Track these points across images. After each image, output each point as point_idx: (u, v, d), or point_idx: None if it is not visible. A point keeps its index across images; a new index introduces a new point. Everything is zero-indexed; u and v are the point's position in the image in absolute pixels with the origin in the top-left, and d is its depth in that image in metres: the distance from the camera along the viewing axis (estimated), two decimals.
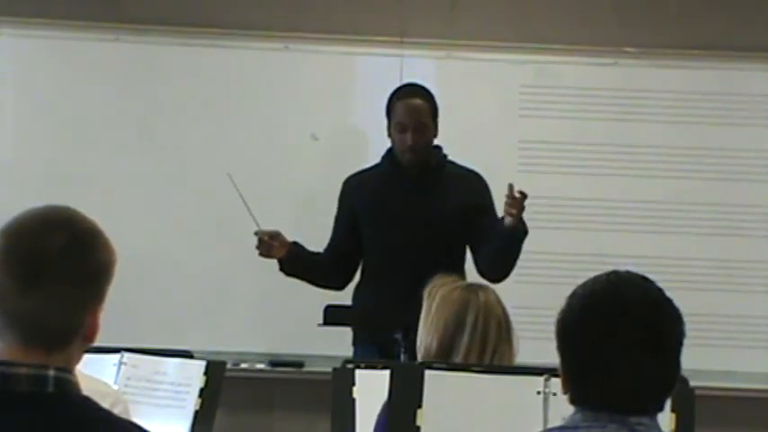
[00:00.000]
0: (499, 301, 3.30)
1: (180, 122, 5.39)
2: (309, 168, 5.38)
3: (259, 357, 5.35)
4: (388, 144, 4.68)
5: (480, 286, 3.41)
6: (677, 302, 2.11)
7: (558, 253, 5.28)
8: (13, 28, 5.39)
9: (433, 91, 4.67)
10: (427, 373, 2.96)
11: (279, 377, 5.36)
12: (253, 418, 5.42)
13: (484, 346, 3.22)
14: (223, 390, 3.41)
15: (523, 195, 4.34)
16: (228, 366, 3.62)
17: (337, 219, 4.73)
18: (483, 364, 3.17)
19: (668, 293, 2.12)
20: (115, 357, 3.40)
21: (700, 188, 5.40)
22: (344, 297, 4.69)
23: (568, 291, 2.15)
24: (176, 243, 5.34)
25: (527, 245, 4.91)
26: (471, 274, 4.54)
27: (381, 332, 4.28)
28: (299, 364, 5.32)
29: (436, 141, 4.65)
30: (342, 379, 3.30)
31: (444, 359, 3.21)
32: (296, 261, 4.62)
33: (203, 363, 3.43)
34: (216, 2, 5.47)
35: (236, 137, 5.38)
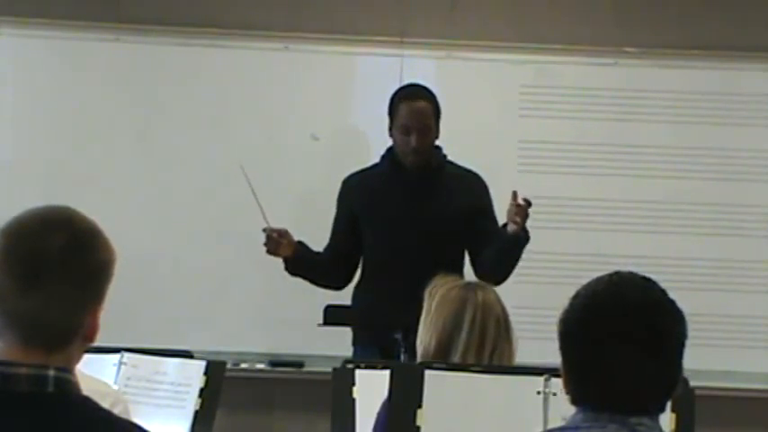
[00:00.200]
0: (498, 300, 3.31)
1: (180, 122, 5.39)
2: (309, 168, 5.38)
3: (259, 357, 5.35)
4: (389, 144, 4.68)
5: (480, 285, 3.42)
6: (677, 302, 2.11)
7: (557, 253, 5.28)
8: (13, 28, 5.39)
9: (432, 91, 4.67)
10: (427, 373, 2.96)
11: (279, 377, 5.36)
12: (253, 418, 5.42)
13: (482, 345, 3.22)
14: (223, 390, 3.41)
15: (527, 203, 4.34)
16: (228, 366, 3.61)
17: (337, 219, 4.73)
18: (483, 364, 3.17)
19: (669, 293, 2.12)
20: (115, 357, 3.40)
21: (700, 188, 5.40)
22: (344, 297, 4.69)
23: (568, 291, 2.15)
24: (176, 243, 5.34)
25: (527, 244, 4.91)
26: (470, 276, 4.54)
27: (381, 332, 4.28)
28: (299, 364, 5.32)
29: (436, 141, 4.65)
30: (342, 379, 3.30)
31: (443, 357, 3.21)
32: (301, 260, 4.62)
33: (203, 363, 3.42)
34: (216, 2, 5.48)
35: (236, 137, 5.38)
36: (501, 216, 4.62)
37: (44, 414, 1.84)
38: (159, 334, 4.97)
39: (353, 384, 3.26)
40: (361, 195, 4.67)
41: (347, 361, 3.47)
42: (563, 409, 2.19)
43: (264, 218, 4.49)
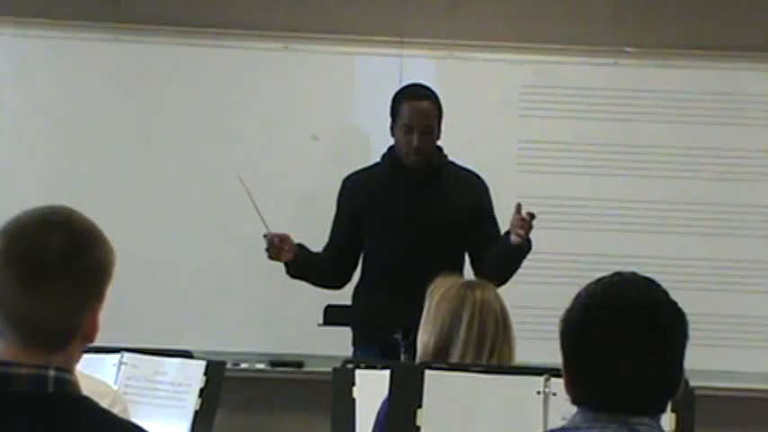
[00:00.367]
0: (497, 298, 3.30)
1: (180, 122, 5.39)
2: (309, 168, 5.38)
3: (259, 357, 5.35)
4: (389, 144, 4.68)
5: (479, 284, 3.41)
6: (678, 303, 2.11)
7: (557, 253, 5.28)
8: (13, 28, 5.39)
9: (435, 91, 4.67)
10: (427, 373, 2.96)
11: (279, 377, 5.36)
12: (253, 418, 5.42)
13: (481, 343, 3.21)
14: (223, 390, 3.41)
15: (531, 216, 4.32)
16: (228, 366, 3.62)
17: (336, 218, 4.72)
18: (483, 364, 3.17)
19: (670, 294, 2.12)
20: (115, 357, 3.40)
21: (700, 188, 5.40)
22: (344, 297, 4.69)
23: (568, 291, 2.15)
24: (176, 243, 5.34)
25: None
26: (470, 276, 4.54)
27: (381, 332, 4.28)
28: (299, 364, 5.32)
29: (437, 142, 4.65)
30: (342, 379, 3.30)
31: (442, 357, 3.21)
32: (302, 264, 4.61)
33: (203, 363, 3.42)
34: (216, 2, 5.47)
35: (236, 137, 5.38)
36: (501, 216, 4.63)
37: (44, 414, 1.84)
38: (159, 334, 4.97)
39: (353, 384, 3.27)
40: (360, 195, 4.67)
41: (347, 361, 3.48)
42: (563, 409, 2.19)
43: (265, 224, 4.48)
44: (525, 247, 4.40)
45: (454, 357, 3.21)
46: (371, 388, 3.19)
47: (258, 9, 5.45)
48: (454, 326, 3.23)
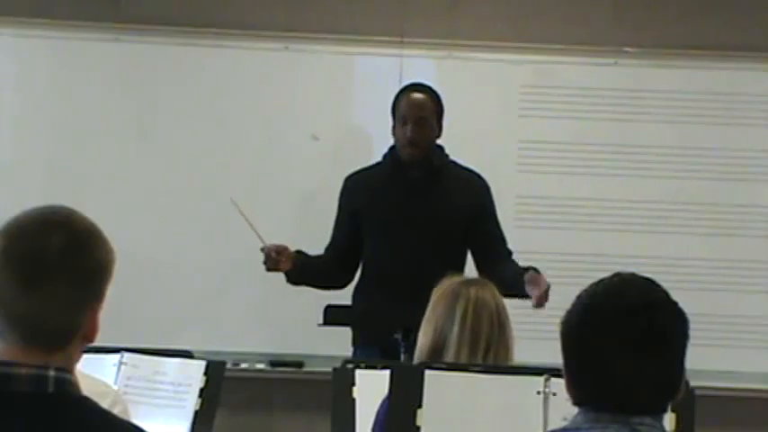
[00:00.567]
0: (495, 297, 3.28)
1: (180, 122, 5.39)
2: (309, 168, 5.38)
3: (259, 357, 5.35)
4: (389, 144, 4.68)
5: (477, 281, 3.40)
6: (679, 303, 2.12)
7: (557, 253, 5.27)
8: (13, 28, 5.39)
9: (436, 90, 4.67)
10: (427, 373, 2.96)
11: (279, 377, 5.36)
12: (253, 418, 5.42)
13: (475, 342, 3.20)
14: (223, 390, 3.41)
15: (547, 288, 4.20)
16: (228, 366, 3.62)
17: (338, 217, 4.72)
18: (483, 364, 3.16)
19: (671, 294, 2.12)
20: (115, 357, 3.40)
21: (700, 188, 5.40)
22: (344, 297, 4.69)
23: (567, 291, 2.15)
24: (176, 243, 5.34)
25: (527, 245, 4.92)
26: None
27: (381, 332, 4.27)
28: (299, 364, 5.32)
29: (438, 141, 4.65)
30: (342, 379, 3.30)
31: (436, 356, 3.20)
32: (302, 271, 4.62)
33: (203, 363, 3.43)
34: (216, 2, 5.47)
35: (236, 137, 5.38)
36: (501, 217, 4.63)
37: (44, 414, 1.84)
38: (159, 334, 4.97)
39: (353, 384, 3.27)
40: (362, 194, 4.67)
41: (347, 361, 3.48)
42: (563, 409, 2.19)
43: (260, 239, 4.50)
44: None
45: (449, 357, 3.20)
46: (371, 388, 3.19)
47: (258, 9, 5.45)
48: (447, 323, 3.22)
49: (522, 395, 2.95)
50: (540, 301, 4.17)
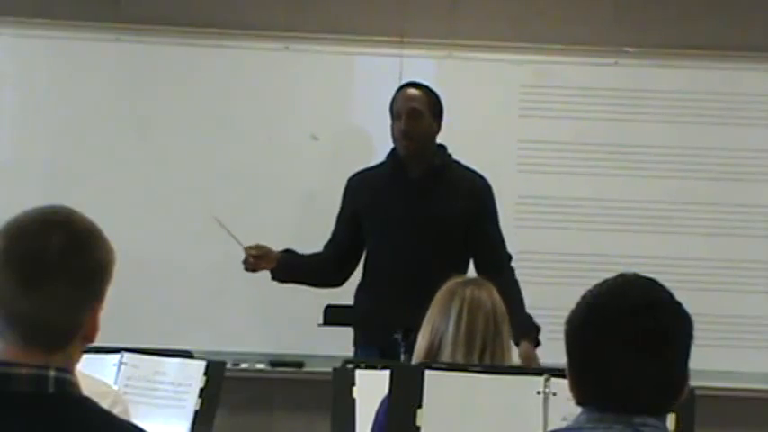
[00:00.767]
0: (491, 297, 3.27)
1: (180, 122, 5.39)
2: (309, 168, 5.38)
3: (259, 357, 5.34)
4: (389, 144, 4.68)
5: (475, 281, 3.39)
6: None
7: (557, 253, 5.28)
8: (13, 28, 5.39)
9: (432, 88, 4.67)
10: (427, 373, 2.96)
11: (279, 377, 5.36)
12: (253, 418, 5.41)
13: (471, 342, 3.19)
14: (223, 390, 3.42)
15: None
16: (228, 366, 3.62)
17: (340, 215, 4.72)
18: (483, 364, 3.16)
19: (675, 295, 2.12)
20: (115, 357, 3.40)
21: (700, 188, 5.40)
22: (344, 296, 4.69)
23: (568, 291, 2.15)
24: (176, 243, 5.34)
25: (527, 245, 4.93)
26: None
27: (381, 332, 4.28)
28: (299, 364, 5.32)
29: (439, 142, 4.64)
30: (342, 379, 3.30)
31: (434, 353, 3.20)
32: (287, 269, 4.63)
33: (203, 363, 3.43)
34: (216, 2, 5.47)
35: (236, 137, 5.38)
36: (501, 217, 4.63)
37: (44, 414, 1.84)
38: (159, 334, 4.97)
39: (353, 384, 3.27)
40: (363, 194, 4.66)
41: (347, 361, 3.48)
42: (563, 409, 2.19)
43: (237, 241, 4.51)
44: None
45: (445, 356, 3.19)
46: (371, 388, 3.19)
47: (258, 9, 5.45)
48: (443, 323, 3.22)
49: (522, 395, 2.95)
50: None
